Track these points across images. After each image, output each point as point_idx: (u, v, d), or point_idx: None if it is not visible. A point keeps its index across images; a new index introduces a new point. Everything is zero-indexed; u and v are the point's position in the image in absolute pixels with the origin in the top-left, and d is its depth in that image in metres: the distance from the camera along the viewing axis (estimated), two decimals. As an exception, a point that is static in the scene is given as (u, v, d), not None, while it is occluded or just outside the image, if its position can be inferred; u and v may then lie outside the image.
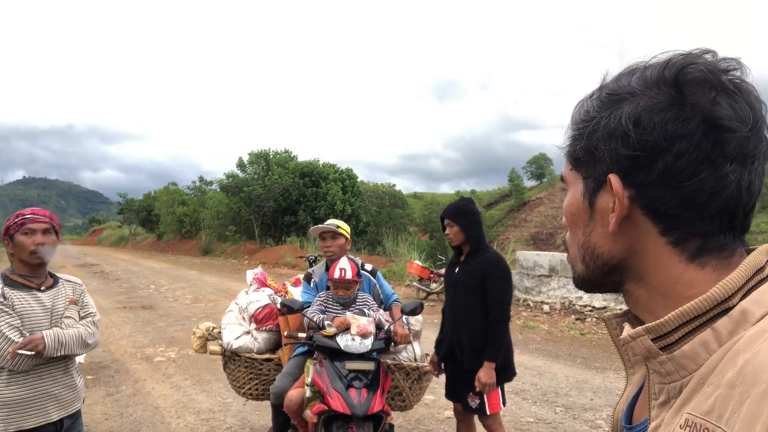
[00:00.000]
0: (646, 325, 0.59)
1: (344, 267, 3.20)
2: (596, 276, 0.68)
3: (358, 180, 33.12)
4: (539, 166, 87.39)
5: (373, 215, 34.57)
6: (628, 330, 0.61)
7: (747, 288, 0.57)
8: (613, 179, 0.62)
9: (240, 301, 3.98)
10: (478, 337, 3.16)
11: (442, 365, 3.47)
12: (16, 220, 2.46)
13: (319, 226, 3.60)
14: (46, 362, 2.44)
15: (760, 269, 0.59)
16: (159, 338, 8.21)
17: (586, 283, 0.71)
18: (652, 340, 0.59)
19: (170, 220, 39.95)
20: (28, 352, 2.32)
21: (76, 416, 2.61)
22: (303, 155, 69.02)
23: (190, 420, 4.81)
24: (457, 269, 3.33)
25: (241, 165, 31.82)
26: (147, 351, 7.43)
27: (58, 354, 2.42)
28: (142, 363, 6.82)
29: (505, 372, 3.25)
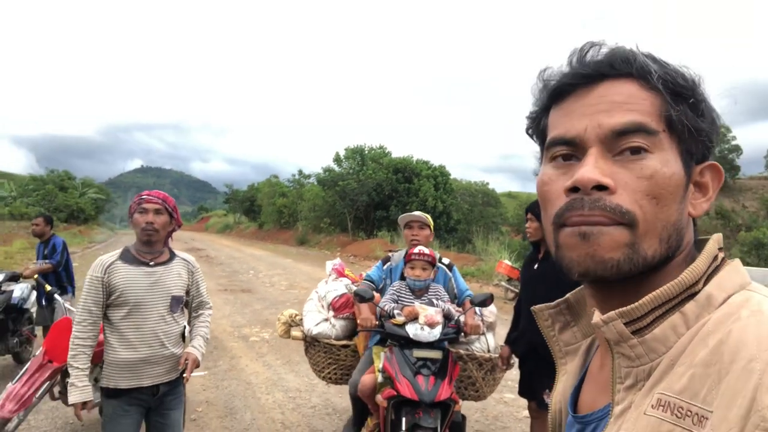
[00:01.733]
0: (619, 309, 0.60)
1: (423, 248, 3.45)
2: (663, 260, 0.62)
3: (451, 177, 33.00)
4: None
5: (465, 213, 34.30)
6: (598, 315, 0.62)
7: (707, 274, 0.61)
8: (721, 170, 0.65)
9: (320, 290, 4.15)
10: None
11: (516, 361, 3.48)
12: (135, 200, 2.78)
13: (408, 214, 3.79)
14: (147, 336, 2.70)
15: (715, 257, 0.63)
16: (255, 320, 8.78)
17: (648, 266, 0.61)
18: (624, 324, 0.60)
19: (271, 211, 41.97)
20: (200, 373, 2.77)
21: (174, 384, 2.82)
22: (397, 152, 69.69)
23: (278, 397, 5.17)
24: (536, 265, 3.32)
25: (337, 159, 32.77)
26: (244, 331, 7.98)
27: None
28: (239, 341, 7.35)
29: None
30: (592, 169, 0.60)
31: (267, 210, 43.21)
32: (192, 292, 2.94)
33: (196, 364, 2.76)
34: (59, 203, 39.66)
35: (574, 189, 0.61)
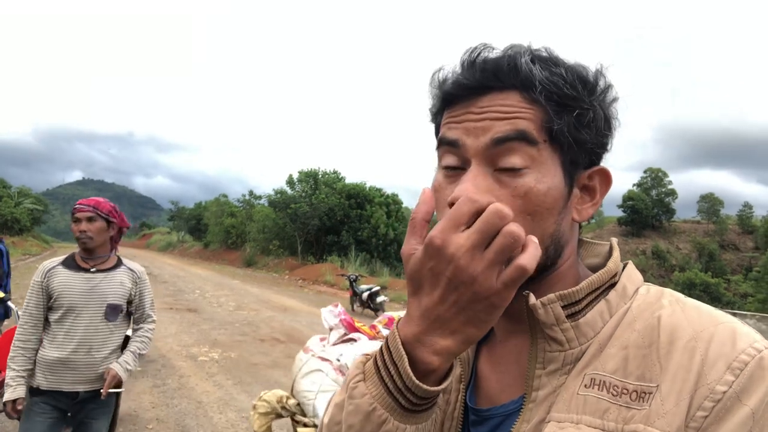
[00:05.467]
0: (559, 292, 0.62)
1: None
2: (543, 268, 0.64)
3: (403, 206, 33.38)
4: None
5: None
6: (534, 298, 0.62)
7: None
8: (609, 173, 0.67)
9: (328, 354, 2.92)
10: None
11: None
12: (72, 210, 2.78)
13: None
14: (75, 340, 2.65)
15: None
16: (203, 339, 8.57)
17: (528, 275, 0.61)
18: (561, 307, 0.62)
19: (218, 231, 41.10)
20: (118, 390, 2.73)
21: (96, 393, 2.69)
22: (351, 177, 69.94)
23: (231, 416, 5.08)
24: None
25: (290, 182, 32.60)
26: (192, 350, 7.78)
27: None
28: (187, 361, 7.16)
29: None
30: (468, 186, 0.59)
31: (214, 229, 42.30)
32: (135, 302, 2.87)
33: (116, 380, 2.68)
34: (-9, 212, 37.62)
35: (452, 204, 0.58)
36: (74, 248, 2.81)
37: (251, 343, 8.51)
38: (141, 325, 2.92)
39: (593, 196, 0.67)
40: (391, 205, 31.28)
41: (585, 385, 0.59)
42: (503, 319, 0.67)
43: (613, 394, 0.57)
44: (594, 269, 0.69)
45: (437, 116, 0.69)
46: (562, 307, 0.62)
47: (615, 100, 0.66)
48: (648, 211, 64.42)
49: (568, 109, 0.61)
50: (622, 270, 0.67)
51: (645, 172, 68.36)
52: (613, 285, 0.65)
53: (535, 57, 0.62)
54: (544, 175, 0.61)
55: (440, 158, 0.66)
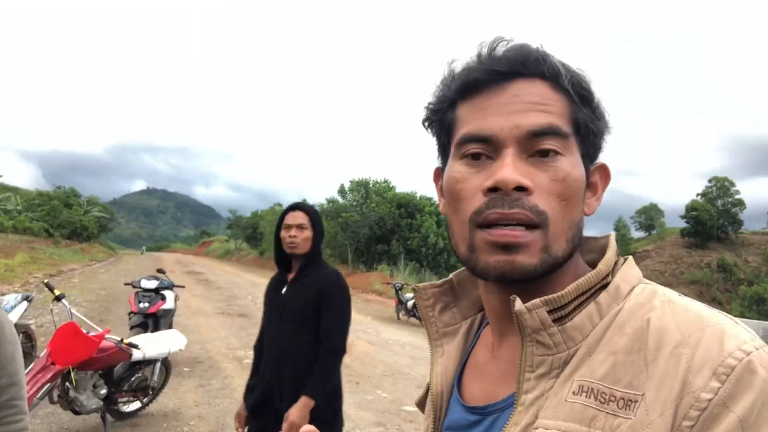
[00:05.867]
0: (544, 297, 0.60)
1: None
2: (568, 255, 0.64)
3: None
4: (649, 217, 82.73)
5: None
6: (520, 303, 0.61)
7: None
8: (609, 170, 0.70)
9: None
10: (306, 375, 2.45)
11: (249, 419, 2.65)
12: None
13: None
14: None
15: (616, 252, 0.69)
16: (250, 343, 8.79)
17: (557, 266, 0.64)
18: (547, 312, 0.60)
19: (272, 239, 42.00)
20: None
21: None
22: (401, 186, 70.19)
23: (268, 416, 5.27)
24: (284, 289, 2.60)
25: (342, 191, 33.11)
26: (238, 353, 8.06)
27: None
28: (233, 363, 7.44)
29: (333, 424, 2.52)
30: (511, 170, 0.60)
31: (269, 238, 43.28)
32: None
33: None
34: (63, 220, 39.90)
35: (493, 189, 0.60)
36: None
37: (295, 348, 8.73)
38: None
39: (595, 191, 0.69)
40: (441, 214, 31.19)
41: (573, 392, 0.57)
42: (498, 319, 0.70)
43: (600, 401, 0.55)
44: (592, 265, 0.68)
45: (446, 107, 0.69)
46: (548, 311, 0.60)
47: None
48: (713, 222, 61.43)
49: (587, 101, 0.64)
50: (619, 267, 0.65)
51: (710, 181, 65.27)
52: (605, 286, 0.63)
53: (554, 57, 0.64)
54: (575, 163, 0.63)
55: (460, 146, 0.65)
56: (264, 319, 2.74)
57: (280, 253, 2.63)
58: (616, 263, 0.66)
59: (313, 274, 2.57)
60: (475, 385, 0.71)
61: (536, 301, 0.60)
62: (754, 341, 0.53)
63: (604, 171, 0.70)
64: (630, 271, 0.65)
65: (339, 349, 2.50)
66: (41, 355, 3.93)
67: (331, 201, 32.93)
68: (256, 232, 50.12)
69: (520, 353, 0.62)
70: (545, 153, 0.62)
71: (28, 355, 6.00)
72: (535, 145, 0.62)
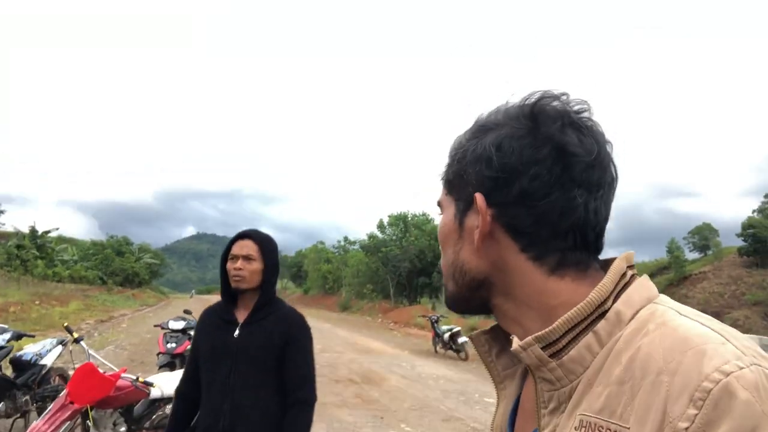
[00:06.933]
0: (535, 334, 0.61)
1: None
2: (465, 292, 0.70)
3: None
4: (703, 237, 79.47)
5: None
6: (517, 342, 0.62)
7: (616, 292, 0.62)
8: (478, 198, 0.66)
9: None
10: None
11: None
12: None
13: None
14: None
15: (623, 275, 0.64)
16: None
17: (456, 300, 0.73)
18: (541, 348, 0.61)
19: (316, 277, 42.66)
20: None
21: None
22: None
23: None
24: (237, 332, 2.21)
25: (381, 226, 33.35)
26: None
27: None
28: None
29: None
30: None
31: (312, 276, 43.94)
32: None
33: None
34: (115, 267, 41.58)
35: None
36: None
37: (326, 384, 8.77)
38: None
39: (478, 222, 0.68)
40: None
41: (575, 427, 0.57)
42: None
43: None
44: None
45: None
46: (543, 347, 0.60)
47: (499, 146, 0.66)
48: (773, 239, 58.51)
49: (449, 162, 0.73)
50: (620, 292, 0.62)
51: (766, 196, 62.58)
52: (604, 313, 0.60)
53: (466, 131, 0.74)
54: (443, 216, 0.73)
55: None
56: (204, 365, 2.24)
57: (228, 288, 2.27)
58: (626, 284, 0.63)
59: (271, 315, 2.23)
60: (521, 423, 0.73)
61: (528, 339, 0.61)
62: (741, 359, 0.50)
63: (475, 200, 0.67)
64: (636, 293, 0.62)
65: (313, 400, 2.20)
66: (61, 394, 4.12)
67: (371, 236, 33.17)
68: (300, 271, 50.93)
69: (535, 390, 0.64)
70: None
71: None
72: None
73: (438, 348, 13.41)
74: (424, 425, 6.51)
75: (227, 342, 2.19)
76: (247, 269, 2.20)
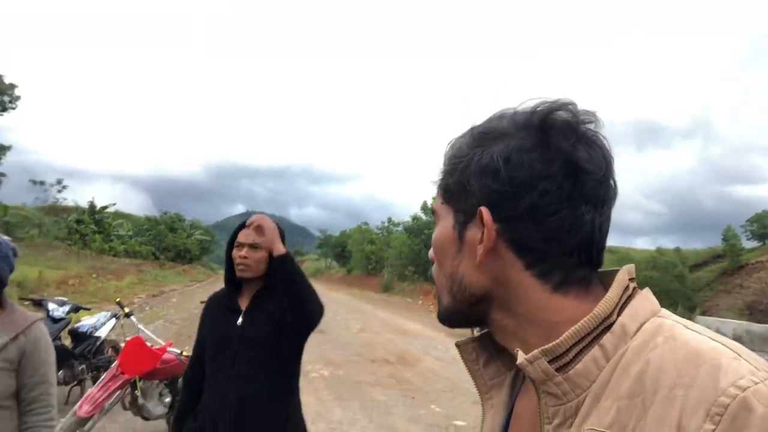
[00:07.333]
0: (542, 348, 0.60)
1: None
2: (463, 307, 0.69)
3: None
4: (762, 225, 75.74)
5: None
6: (522, 355, 0.61)
7: (620, 305, 0.62)
8: (484, 212, 0.64)
9: None
10: (276, 425, 2.16)
11: None
12: None
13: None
14: None
15: (626, 287, 0.64)
16: (320, 358, 9.27)
17: (451, 314, 0.71)
18: (548, 362, 0.60)
19: (359, 257, 43.16)
20: None
21: None
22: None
23: (321, 427, 5.59)
24: (240, 320, 2.21)
25: (425, 208, 33.39)
26: (306, 367, 8.42)
27: None
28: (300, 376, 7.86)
29: None
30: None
31: (356, 256, 44.44)
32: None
33: None
34: (168, 243, 43.21)
35: None
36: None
37: (362, 363, 9.05)
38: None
39: (483, 238, 0.66)
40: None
41: None
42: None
43: None
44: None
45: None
46: (549, 361, 0.60)
47: (508, 158, 0.65)
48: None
49: (452, 169, 0.70)
50: (624, 305, 0.62)
51: (833, 183, 59.04)
52: (610, 326, 0.60)
53: (461, 136, 0.73)
54: (440, 226, 0.71)
55: None
56: (209, 353, 2.25)
57: (233, 275, 2.26)
58: (629, 297, 0.64)
59: (273, 298, 2.21)
60: None
61: (535, 352, 0.60)
62: (755, 375, 0.50)
63: (481, 214, 0.65)
64: (640, 305, 0.62)
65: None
66: (112, 365, 4.48)
67: (414, 218, 33.29)
68: (344, 251, 51.60)
69: (537, 405, 0.63)
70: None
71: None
72: None
73: (475, 331, 13.51)
74: (454, 407, 6.68)
75: (231, 330, 2.20)
76: (252, 258, 2.19)
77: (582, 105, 0.67)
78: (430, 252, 0.74)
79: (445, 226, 0.70)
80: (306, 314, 2.12)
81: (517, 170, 0.63)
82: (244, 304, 2.26)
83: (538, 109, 0.66)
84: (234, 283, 2.29)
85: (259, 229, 2.09)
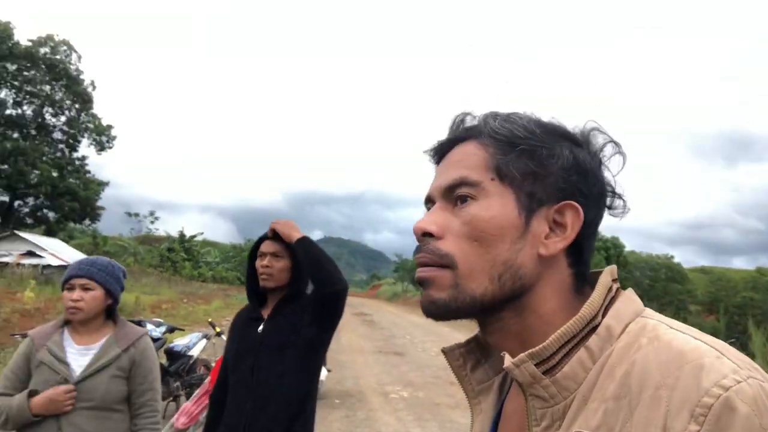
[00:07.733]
0: (529, 351, 0.60)
1: None
2: (501, 298, 0.64)
3: (626, 249, 31.09)
4: None
5: (645, 290, 31.75)
6: (509, 359, 0.61)
7: (604, 306, 0.62)
8: (579, 210, 0.65)
9: None
10: (296, 428, 2.13)
11: None
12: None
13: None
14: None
15: (609, 288, 0.64)
16: (399, 380, 9.33)
17: (480, 304, 0.65)
18: (535, 365, 0.60)
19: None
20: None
21: None
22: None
23: (401, 446, 5.62)
24: (261, 327, 2.22)
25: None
26: (386, 388, 8.57)
27: None
28: (379, 397, 7.94)
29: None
30: (422, 219, 0.68)
31: (432, 280, 44.15)
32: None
33: None
34: (252, 269, 44.82)
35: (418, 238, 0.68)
36: None
37: (441, 386, 9.01)
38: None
39: (564, 231, 0.65)
40: (610, 249, 29.44)
41: None
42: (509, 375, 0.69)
43: None
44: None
45: None
46: (536, 364, 0.60)
47: (595, 153, 0.70)
48: None
49: (516, 148, 0.66)
50: (608, 306, 0.63)
51: None
52: (595, 328, 0.61)
53: (497, 114, 0.70)
54: (490, 205, 0.65)
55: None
56: (230, 366, 2.25)
57: (255, 287, 2.28)
58: (613, 298, 0.64)
59: (296, 304, 2.21)
60: None
61: (522, 355, 0.60)
62: (738, 373, 0.50)
63: (574, 210, 0.65)
64: (624, 306, 0.63)
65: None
66: (205, 381, 4.76)
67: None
68: (421, 275, 51.41)
69: (525, 408, 0.63)
70: (464, 199, 0.66)
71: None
72: (453, 196, 0.68)
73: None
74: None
75: (251, 338, 2.20)
76: (275, 267, 2.18)
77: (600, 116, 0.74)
78: (423, 223, 0.67)
79: (503, 205, 0.65)
80: (333, 290, 2.12)
81: (600, 180, 0.69)
82: (267, 314, 2.25)
83: (587, 127, 0.71)
84: (257, 293, 2.30)
85: (276, 231, 2.20)
